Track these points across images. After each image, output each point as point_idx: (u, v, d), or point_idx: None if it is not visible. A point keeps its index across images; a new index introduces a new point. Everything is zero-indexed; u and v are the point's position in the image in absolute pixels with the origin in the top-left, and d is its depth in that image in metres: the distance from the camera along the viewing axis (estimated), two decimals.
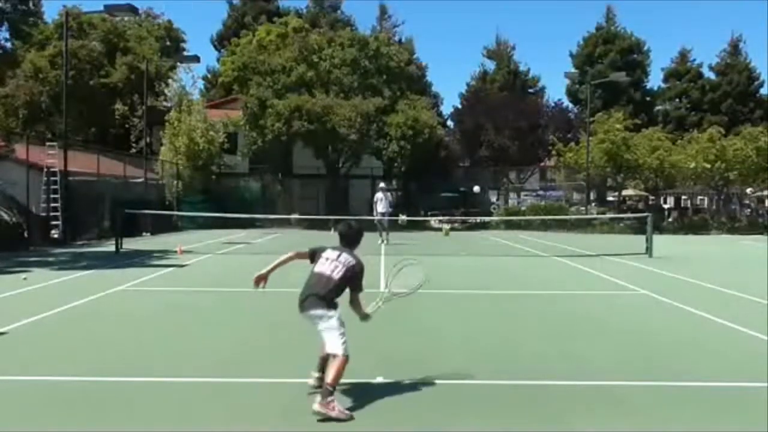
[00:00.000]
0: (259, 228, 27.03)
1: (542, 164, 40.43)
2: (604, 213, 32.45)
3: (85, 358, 6.01)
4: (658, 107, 51.38)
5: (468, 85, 46.95)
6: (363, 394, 4.91)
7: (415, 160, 31.13)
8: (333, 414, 4.37)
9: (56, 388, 5.13)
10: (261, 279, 5.22)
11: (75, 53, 31.02)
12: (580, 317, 8.46)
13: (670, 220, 33.35)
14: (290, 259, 5.17)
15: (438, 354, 6.20)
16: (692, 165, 32.13)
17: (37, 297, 9.48)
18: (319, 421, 4.34)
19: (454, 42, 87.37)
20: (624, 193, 37.02)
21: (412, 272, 5.26)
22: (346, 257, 4.89)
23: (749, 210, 39.28)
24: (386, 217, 20.83)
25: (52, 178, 19.90)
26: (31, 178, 19.15)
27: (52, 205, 19.63)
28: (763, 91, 50.19)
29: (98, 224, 21.94)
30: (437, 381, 5.26)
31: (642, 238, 17.60)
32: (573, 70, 46.75)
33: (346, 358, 4.58)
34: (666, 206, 41.15)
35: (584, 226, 28.02)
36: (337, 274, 4.79)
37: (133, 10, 21.13)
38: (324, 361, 4.80)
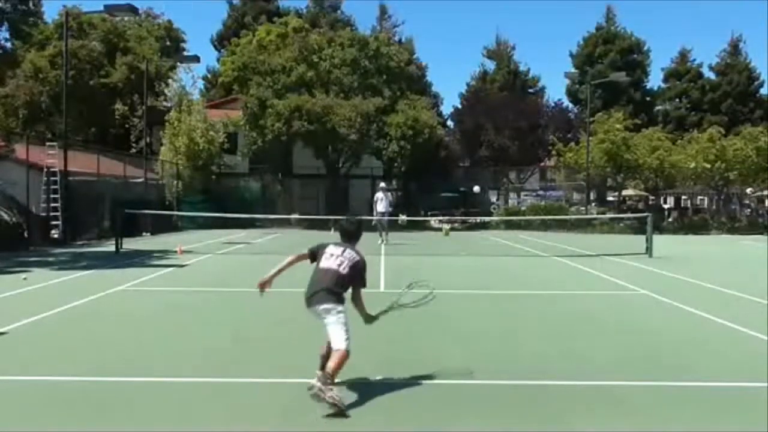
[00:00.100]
0: (259, 228, 27.04)
1: (542, 164, 40.43)
2: (604, 213, 32.45)
3: (85, 358, 6.01)
4: (658, 107, 51.39)
5: (468, 85, 47.03)
6: (363, 394, 4.91)
7: (415, 160, 31.13)
8: (326, 397, 4.41)
9: (56, 388, 5.13)
10: (265, 284, 5.22)
11: (75, 53, 31.02)
12: (580, 317, 8.46)
13: (670, 220, 33.35)
14: (291, 263, 5.22)
15: (438, 354, 6.20)
16: (692, 165, 32.14)
17: (37, 297, 9.48)
18: (325, 416, 4.36)
19: (454, 42, 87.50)
20: (624, 193, 37.02)
21: (420, 293, 5.33)
22: (350, 252, 4.98)
23: (749, 210, 39.28)
24: (386, 217, 20.84)
25: (52, 178, 19.90)
26: (31, 178, 19.15)
27: (52, 205, 19.63)
28: (763, 91, 50.29)
29: (98, 224, 21.94)
30: (437, 381, 5.26)
31: (642, 238, 17.60)
32: (573, 70, 46.77)
33: (347, 354, 4.66)
34: (666, 206, 41.16)
35: (584, 226, 28.02)
36: (344, 270, 4.87)
37: (133, 10, 21.13)
38: (325, 359, 4.84)
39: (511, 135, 37.11)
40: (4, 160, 19.43)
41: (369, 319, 5.19)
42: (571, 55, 50.73)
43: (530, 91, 45.63)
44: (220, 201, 28.78)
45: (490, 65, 47.20)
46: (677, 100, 51.41)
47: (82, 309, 8.58)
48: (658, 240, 17.88)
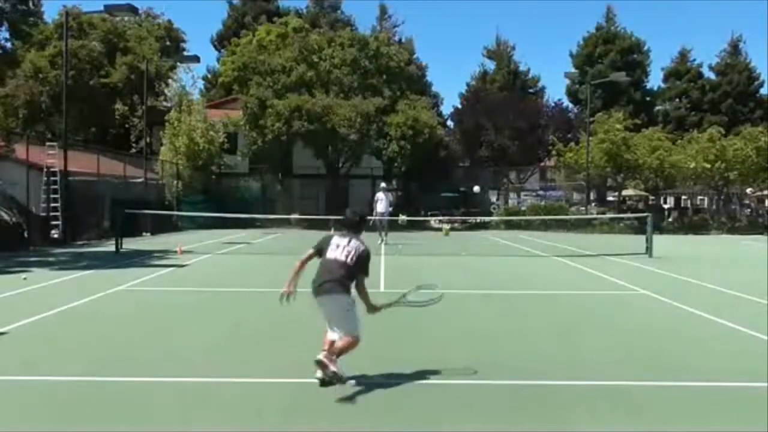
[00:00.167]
0: (259, 228, 27.04)
1: (542, 164, 40.41)
2: (604, 213, 32.46)
3: (85, 358, 6.01)
4: (658, 107, 51.36)
5: (468, 85, 46.99)
6: (362, 394, 4.91)
7: (415, 160, 31.14)
8: (332, 367, 4.85)
9: (56, 388, 5.13)
10: (289, 293, 5.31)
11: (75, 53, 31.02)
12: (580, 317, 8.46)
13: (670, 220, 33.36)
14: (302, 267, 5.33)
15: (438, 353, 6.19)
16: (692, 165, 32.13)
17: (37, 297, 9.47)
18: (322, 384, 4.74)
19: (454, 42, 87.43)
20: (624, 193, 37.01)
21: (428, 293, 5.56)
22: (356, 243, 5.16)
23: (749, 210, 39.30)
24: (386, 217, 20.85)
25: (52, 178, 19.90)
26: (31, 178, 19.16)
27: (52, 205, 19.63)
28: (763, 91, 50.25)
29: (98, 224, 21.93)
30: (437, 381, 5.26)
31: (642, 238, 17.60)
32: (573, 70, 46.73)
33: (357, 340, 5.01)
34: (666, 206, 41.17)
35: (584, 226, 28.03)
36: (351, 260, 5.07)
37: (133, 10, 21.12)
38: (331, 344, 5.03)
39: (511, 135, 37.11)
40: (4, 160, 19.42)
41: (372, 309, 5.33)
42: (571, 55, 50.74)
43: (530, 91, 45.62)
44: (220, 201, 28.81)
45: (490, 65, 47.24)
46: (677, 100, 51.37)
47: (82, 309, 8.58)
48: (658, 240, 17.88)
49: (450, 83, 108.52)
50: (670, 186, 37.79)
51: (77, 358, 6.01)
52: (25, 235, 17.95)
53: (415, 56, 39.55)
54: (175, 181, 29.39)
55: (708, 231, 30.64)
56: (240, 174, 34.20)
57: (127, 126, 36.02)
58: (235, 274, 12.68)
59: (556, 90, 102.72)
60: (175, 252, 16.43)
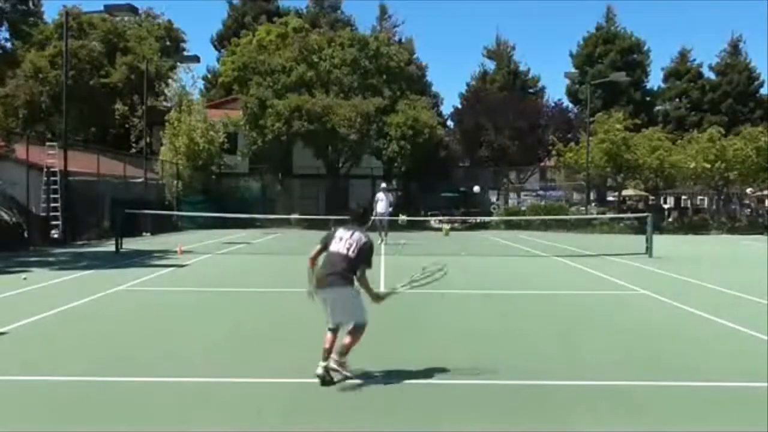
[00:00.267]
0: (259, 228, 27.04)
1: (542, 164, 40.41)
2: (604, 213, 32.45)
3: (86, 358, 6.01)
4: (658, 107, 51.34)
5: (468, 85, 46.98)
6: (362, 394, 4.92)
7: (415, 160, 31.14)
8: (346, 371, 5.08)
9: (56, 388, 5.13)
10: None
11: (75, 53, 31.02)
12: (580, 317, 8.46)
13: (670, 220, 33.36)
14: (313, 263, 5.40)
15: (438, 354, 6.19)
16: (692, 165, 32.13)
17: (37, 297, 9.48)
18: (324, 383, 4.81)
19: (454, 42, 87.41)
20: (624, 193, 37.01)
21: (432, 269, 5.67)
22: (358, 235, 5.25)
23: (749, 210, 39.29)
24: (386, 217, 20.86)
25: (52, 178, 19.90)
26: (31, 178, 19.16)
27: (52, 205, 19.63)
28: (763, 91, 50.23)
29: (98, 224, 21.93)
30: (437, 381, 5.26)
31: (642, 238, 17.60)
32: (573, 70, 46.72)
33: (364, 326, 5.20)
34: (666, 206, 41.16)
35: (584, 226, 28.03)
36: (353, 253, 5.17)
37: (133, 10, 21.11)
38: (329, 352, 5.09)
39: (511, 135, 37.10)
40: (4, 160, 19.42)
41: (376, 298, 5.46)
42: (571, 55, 50.72)
43: (530, 91, 45.61)
44: (220, 201, 28.81)
45: (490, 65, 47.23)
46: (677, 100, 51.36)
47: (82, 309, 8.58)
48: (658, 240, 17.88)
49: (450, 83, 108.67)
50: (670, 186, 37.80)
51: (77, 358, 6.01)
52: (25, 235, 17.95)
53: (415, 56, 39.56)
54: (175, 181, 29.39)
55: (708, 231, 30.64)
56: (240, 174, 34.19)
57: (127, 126, 36.01)
58: (235, 274, 12.68)
59: (556, 90, 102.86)
60: (175, 252, 16.43)
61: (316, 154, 31.39)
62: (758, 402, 4.80)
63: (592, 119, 33.90)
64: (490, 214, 33.30)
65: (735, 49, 50.93)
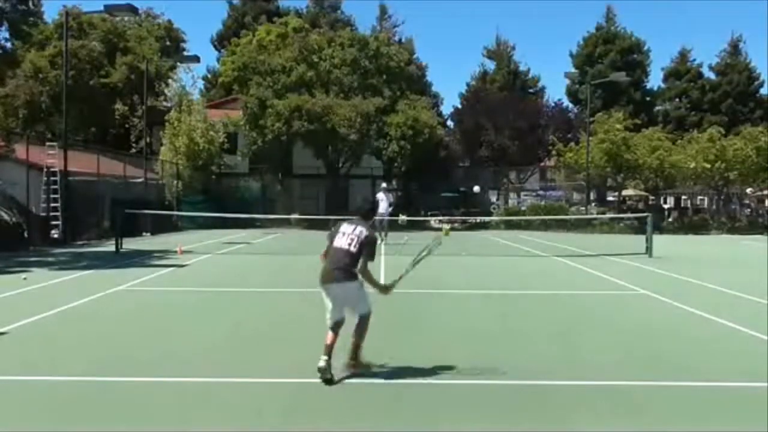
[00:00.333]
0: (259, 228, 27.04)
1: (542, 164, 40.42)
2: (604, 213, 32.45)
3: (85, 358, 6.01)
4: (658, 107, 51.34)
5: (468, 85, 46.98)
6: (363, 394, 4.92)
7: (415, 160, 31.14)
8: (359, 368, 5.27)
9: (56, 388, 5.13)
10: None
11: (75, 53, 31.02)
12: (580, 317, 8.46)
13: (670, 220, 33.36)
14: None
15: (438, 354, 6.18)
16: (692, 165, 32.12)
17: (37, 297, 9.48)
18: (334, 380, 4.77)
19: (454, 42, 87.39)
20: (624, 193, 37.01)
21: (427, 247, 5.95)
22: (360, 230, 5.32)
23: (749, 210, 39.28)
24: (386, 217, 20.86)
25: (52, 178, 19.90)
26: (31, 178, 19.15)
27: (52, 205, 19.63)
28: (763, 91, 50.23)
29: (98, 224, 21.92)
30: (437, 381, 5.27)
31: (642, 238, 17.60)
32: (573, 70, 46.72)
33: (369, 315, 5.35)
34: (666, 206, 41.15)
35: (584, 226, 28.02)
36: (354, 247, 5.25)
37: (133, 10, 21.11)
38: (330, 348, 5.15)
39: (511, 135, 37.10)
40: (4, 160, 19.42)
41: (384, 289, 5.56)
42: (571, 55, 50.72)
43: (530, 91, 45.60)
44: (220, 201, 28.80)
45: (490, 65, 47.22)
46: (677, 100, 51.36)
47: (82, 309, 8.58)
48: (658, 240, 17.87)
49: (450, 83, 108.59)
50: (670, 186, 37.80)
51: (77, 358, 6.01)
52: (25, 235, 17.95)
53: (415, 56, 39.56)
54: (175, 181, 29.38)
55: (708, 231, 30.64)
56: (240, 174, 34.19)
57: (127, 126, 36.02)
58: (235, 274, 12.67)
59: (556, 90, 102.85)
60: (175, 252, 16.43)
61: (316, 154, 31.38)
62: (758, 402, 4.80)
63: (592, 119, 33.90)
64: (490, 214, 33.30)
65: (735, 49, 50.94)
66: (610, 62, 46.88)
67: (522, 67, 46.75)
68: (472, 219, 30.18)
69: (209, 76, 49.59)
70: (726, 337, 7.27)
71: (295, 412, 4.59)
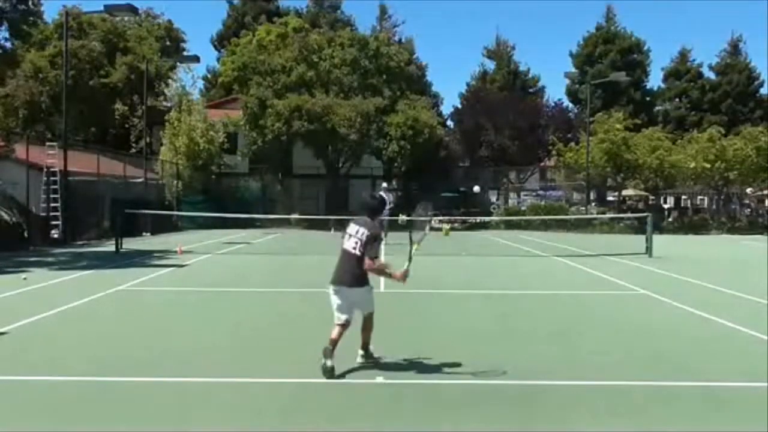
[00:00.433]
0: (259, 228, 27.04)
1: (542, 164, 40.43)
2: (604, 213, 32.45)
3: (85, 358, 6.01)
4: (658, 107, 51.33)
5: (468, 85, 46.99)
6: (363, 394, 4.92)
7: (415, 160, 31.15)
8: (374, 360, 5.55)
9: (56, 388, 5.13)
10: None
11: (75, 53, 31.01)
12: (580, 317, 8.46)
13: (670, 220, 33.35)
14: None
15: (438, 354, 6.18)
16: (692, 165, 32.12)
17: (37, 297, 9.47)
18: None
19: (454, 42, 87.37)
20: (624, 193, 37.01)
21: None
22: (362, 231, 5.37)
23: (749, 210, 39.28)
24: (386, 217, 20.86)
25: (52, 178, 19.90)
26: (31, 178, 19.16)
27: (52, 205, 19.63)
28: (763, 91, 50.21)
29: (98, 224, 21.93)
30: (437, 381, 5.26)
31: (642, 238, 17.61)
32: (573, 70, 46.72)
33: (372, 313, 5.53)
34: (666, 206, 41.14)
35: (584, 226, 28.03)
36: (358, 251, 5.35)
37: (133, 10, 21.12)
38: (335, 343, 5.25)
39: (511, 135, 37.12)
40: (4, 160, 19.43)
41: (402, 278, 5.58)
42: (571, 55, 50.70)
43: (530, 91, 45.62)
44: (220, 201, 28.81)
45: (490, 65, 47.25)
46: (677, 100, 51.35)
47: (82, 309, 8.58)
48: (658, 240, 17.87)
49: (450, 83, 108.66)
50: (670, 186, 37.79)
51: (77, 358, 6.01)
52: (25, 235, 17.96)
53: (415, 56, 39.56)
54: (175, 181, 29.38)
55: (708, 231, 30.64)
56: (240, 174, 34.19)
57: (127, 126, 36.02)
58: (235, 274, 12.67)
59: (556, 90, 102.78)
60: (175, 252, 16.44)
61: (316, 154, 31.39)
62: (758, 402, 4.80)
63: (592, 119, 33.90)
64: (490, 214, 33.30)
65: (735, 49, 50.95)
66: (610, 62, 46.87)
67: (522, 67, 46.87)
68: (472, 219, 30.18)
69: (209, 76, 49.61)
70: (726, 337, 7.27)
71: (295, 412, 4.59)
